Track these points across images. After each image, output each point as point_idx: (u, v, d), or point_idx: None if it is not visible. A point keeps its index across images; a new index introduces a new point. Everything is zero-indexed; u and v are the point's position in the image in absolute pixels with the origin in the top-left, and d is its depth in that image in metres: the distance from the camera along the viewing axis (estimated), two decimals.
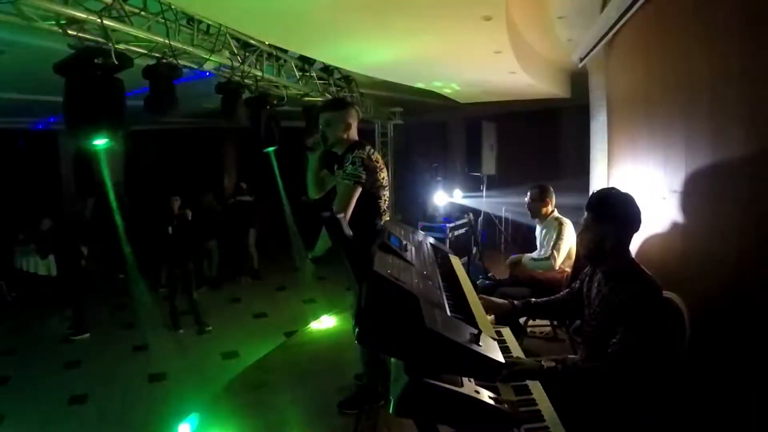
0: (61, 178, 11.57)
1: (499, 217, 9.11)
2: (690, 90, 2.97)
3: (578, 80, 7.36)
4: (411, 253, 1.94)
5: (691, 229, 2.97)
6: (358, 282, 3.45)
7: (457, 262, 2.60)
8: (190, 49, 4.22)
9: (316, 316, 6.55)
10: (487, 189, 8.73)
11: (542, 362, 2.06)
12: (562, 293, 2.68)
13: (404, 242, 1.99)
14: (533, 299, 2.63)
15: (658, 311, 2.16)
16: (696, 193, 2.88)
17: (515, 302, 2.55)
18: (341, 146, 3.47)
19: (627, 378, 2.08)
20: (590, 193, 6.07)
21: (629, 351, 2.05)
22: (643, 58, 3.85)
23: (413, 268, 1.79)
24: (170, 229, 6.52)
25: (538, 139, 9.90)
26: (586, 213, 2.31)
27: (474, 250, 7.45)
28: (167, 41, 3.89)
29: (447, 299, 1.79)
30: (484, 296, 2.41)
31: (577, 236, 2.38)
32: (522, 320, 4.16)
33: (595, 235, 2.25)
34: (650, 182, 3.58)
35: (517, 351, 2.32)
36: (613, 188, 2.38)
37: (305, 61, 6.05)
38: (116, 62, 3.52)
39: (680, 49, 3.11)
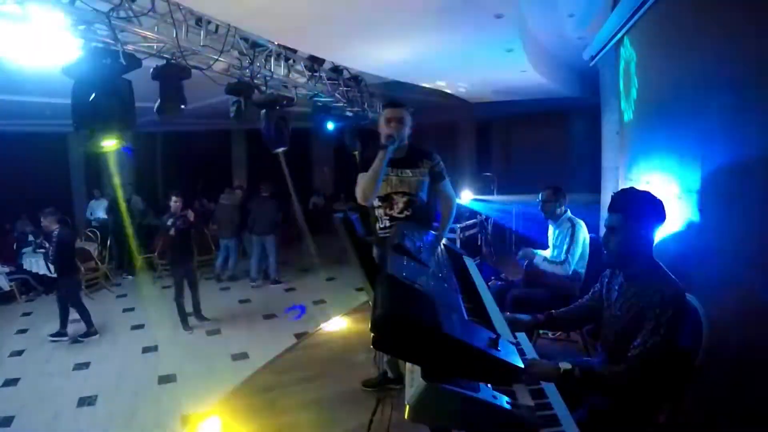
0: (71, 181, 11.63)
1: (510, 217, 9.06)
2: (705, 88, 2.92)
3: (589, 79, 7.32)
4: (425, 255, 1.90)
5: (708, 229, 2.91)
6: (370, 283, 3.44)
7: (471, 264, 2.56)
8: (199, 49, 4.20)
9: (326, 318, 6.54)
10: (498, 189, 8.68)
11: (558, 365, 2.01)
12: (582, 300, 2.58)
13: (418, 243, 1.95)
14: (554, 311, 2.54)
15: (684, 314, 2.08)
16: (713, 192, 2.82)
17: (538, 316, 2.49)
18: (403, 148, 3.38)
19: (647, 382, 2.02)
20: (601, 191, 5.95)
21: (652, 354, 1.98)
22: (657, 56, 3.80)
23: (428, 271, 1.75)
24: (172, 230, 6.50)
25: (549, 138, 9.85)
26: (611, 215, 2.21)
27: (485, 250, 7.41)
28: (176, 42, 3.88)
29: (463, 302, 1.75)
30: (509, 314, 2.35)
31: (604, 240, 2.28)
32: None
33: (626, 236, 2.16)
34: (665, 181, 3.52)
35: (531, 353, 2.28)
36: (631, 187, 2.30)
37: (314, 61, 6.02)
38: (124, 63, 3.51)
39: (695, 46, 3.06)
